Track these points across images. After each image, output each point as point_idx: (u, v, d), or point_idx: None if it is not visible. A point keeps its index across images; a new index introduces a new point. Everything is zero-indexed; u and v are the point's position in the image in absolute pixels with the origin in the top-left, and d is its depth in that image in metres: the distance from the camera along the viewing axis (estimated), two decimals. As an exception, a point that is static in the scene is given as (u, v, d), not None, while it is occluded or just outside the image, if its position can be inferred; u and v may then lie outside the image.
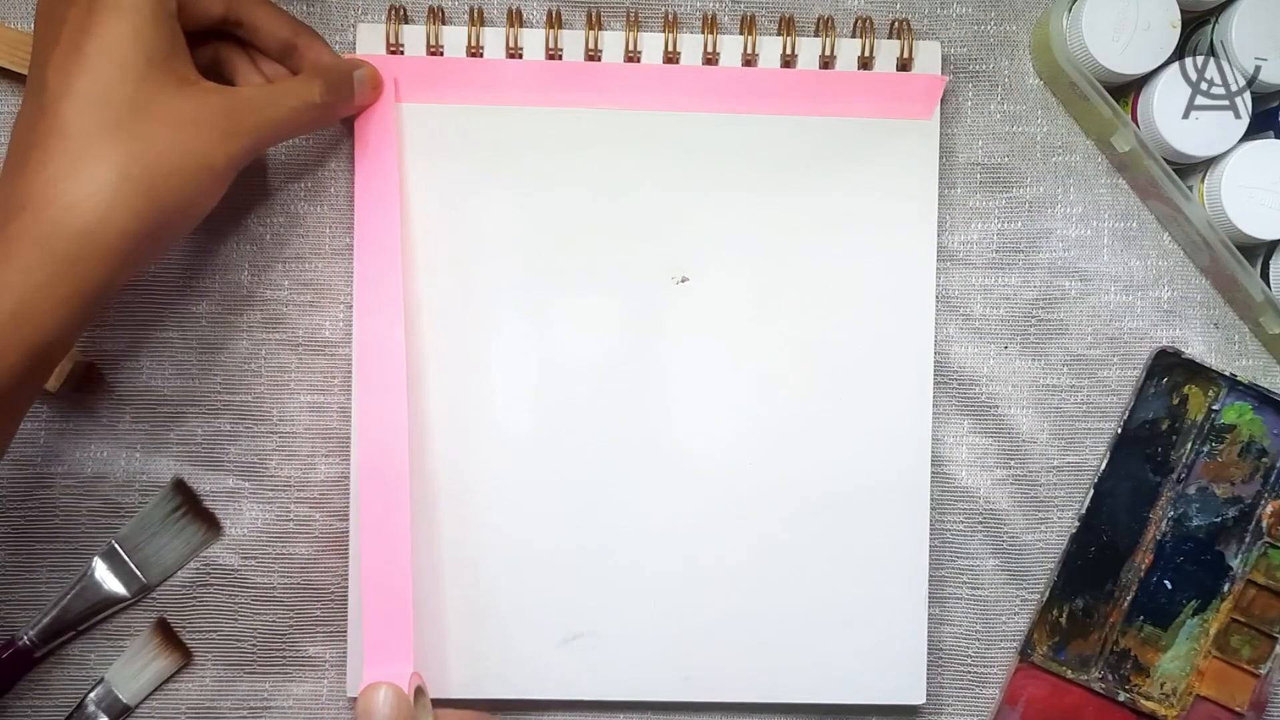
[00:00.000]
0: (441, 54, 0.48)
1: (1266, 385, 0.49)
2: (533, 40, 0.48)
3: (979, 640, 0.51)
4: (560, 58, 0.49)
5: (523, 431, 0.49)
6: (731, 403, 0.49)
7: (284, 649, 0.50)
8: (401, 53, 0.48)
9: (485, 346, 0.49)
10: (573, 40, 0.49)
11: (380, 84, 0.47)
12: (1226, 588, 0.49)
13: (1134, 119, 0.48)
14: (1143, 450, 0.50)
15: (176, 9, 0.41)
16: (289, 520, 0.50)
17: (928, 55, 0.49)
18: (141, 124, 0.39)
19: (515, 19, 0.48)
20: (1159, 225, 0.51)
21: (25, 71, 0.48)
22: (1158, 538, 0.50)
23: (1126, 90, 0.49)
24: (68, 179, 0.38)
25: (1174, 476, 0.50)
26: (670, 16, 0.49)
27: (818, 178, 0.49)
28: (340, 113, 0.47)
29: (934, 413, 0.49)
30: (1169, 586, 0.50)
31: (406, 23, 0.49)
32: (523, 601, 0.49)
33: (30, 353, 0.38)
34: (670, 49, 0.49)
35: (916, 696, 0.49)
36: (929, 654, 0.49)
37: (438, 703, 0.49)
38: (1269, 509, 0.49)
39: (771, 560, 0.49)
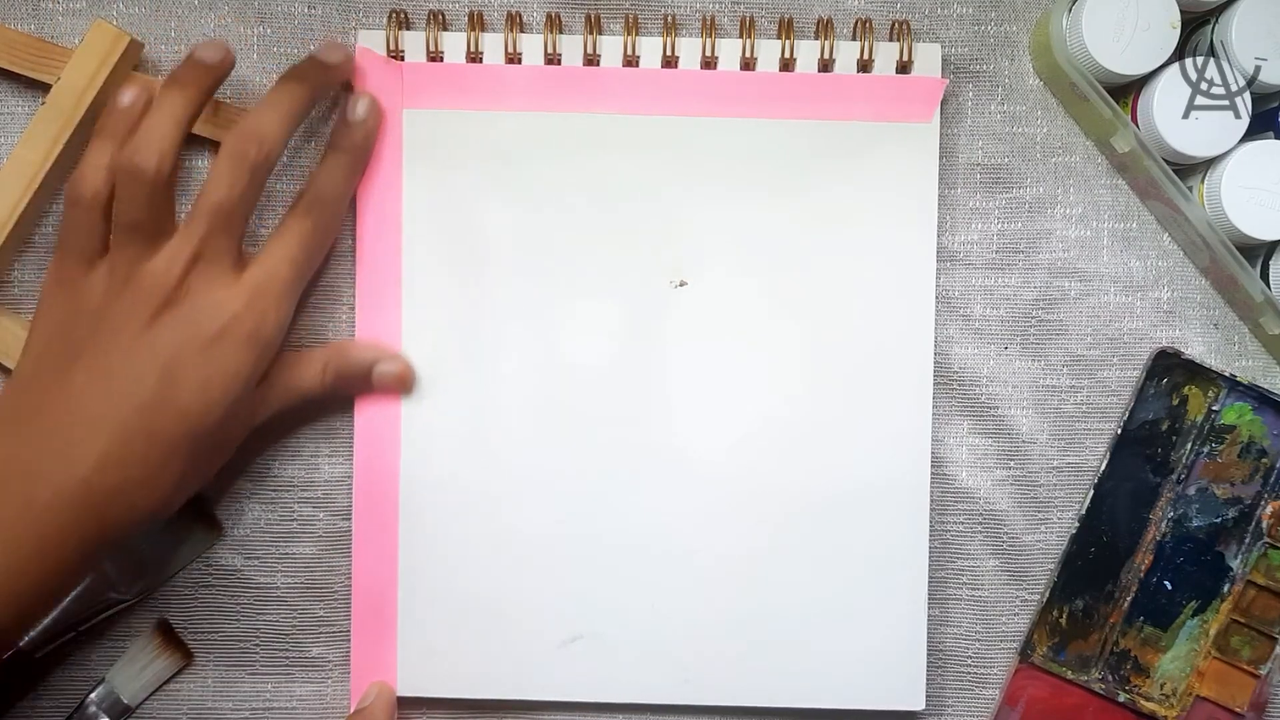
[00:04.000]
0: (442, 59, 0.48)
1: (1266, 385, 0.49)
2: (532, 45, 0.49)
3: (979, 641, 0.50)
4: (559, 62, 0.49)
5: (522, 433, 0.49)
6: (730, 405, 0.49)
7: (286, 649, 0.50)
8: (402, 58, 0.48)
9: (485, 349, 0.49)
10: (571, 44, 0.49)
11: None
12: (1226, 588, 0.49)
13: (1134, 119, 0.48)
14: (1143, 451, 0.50)
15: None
16: (291, 520, 0.50)
17: (927, 57, 0.49)
18: (210, 440, 0.43)
19: (515, 23, 0.48)
20: (1159, 226, 0.51)
21: (23, 72, 0.48)
22: (1158, 538, 0.49)
23: (1126, 90, 0.48)
24: (141, 489, 0.42)
25: (1174, 477, 0.50)
26: (669, 19, 0.49)
27: (817, 181, 0.49)
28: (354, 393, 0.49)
29: (934, 413, 0.49)
30: (1169, 587, 0.50)
31: (407, 29, 0.49)
32: (522, 603, 0.49)
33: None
34: (669, 52, 0.49)
35: (916, 702, 0.49)
36: (929, 655, 0.49)
37: (428, 703, 0.49)
38: (1269, 510, 0.49)
39: (770, 562, 0.49)
